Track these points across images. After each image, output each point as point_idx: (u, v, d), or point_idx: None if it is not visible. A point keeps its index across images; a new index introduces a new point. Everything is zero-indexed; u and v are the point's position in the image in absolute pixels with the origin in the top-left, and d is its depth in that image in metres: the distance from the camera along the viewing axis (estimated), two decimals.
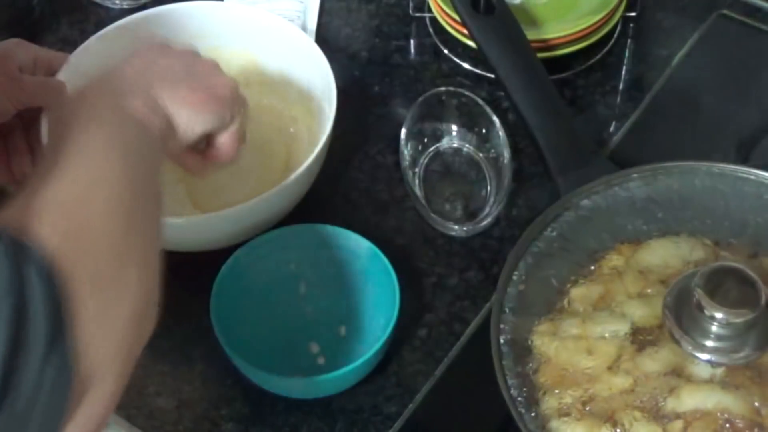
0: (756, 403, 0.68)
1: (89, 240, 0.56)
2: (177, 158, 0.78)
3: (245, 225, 0.84)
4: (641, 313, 0.73)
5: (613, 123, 0.99)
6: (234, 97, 0.78)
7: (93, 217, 0.57)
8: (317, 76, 0.91)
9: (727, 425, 0.68)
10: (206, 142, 0.78)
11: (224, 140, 0.78)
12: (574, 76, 1.02)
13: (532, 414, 0.71)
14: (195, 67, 0.76)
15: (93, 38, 0.92)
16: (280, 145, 0.95)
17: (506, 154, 0.91)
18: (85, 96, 0.67)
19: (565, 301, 0.76)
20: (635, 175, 0.82)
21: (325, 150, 0.87)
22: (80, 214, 0.57)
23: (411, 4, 1.07)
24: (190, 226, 0.84)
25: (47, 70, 0.87)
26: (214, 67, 0.78)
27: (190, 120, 0.72)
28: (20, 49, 0.86)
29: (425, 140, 0.95)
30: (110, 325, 0.57)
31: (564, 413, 0.71)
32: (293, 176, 0.84)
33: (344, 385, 0.81)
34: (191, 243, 0.87)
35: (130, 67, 0.71)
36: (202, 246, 0.87)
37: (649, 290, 0.75)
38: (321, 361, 0.84)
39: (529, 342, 0.75)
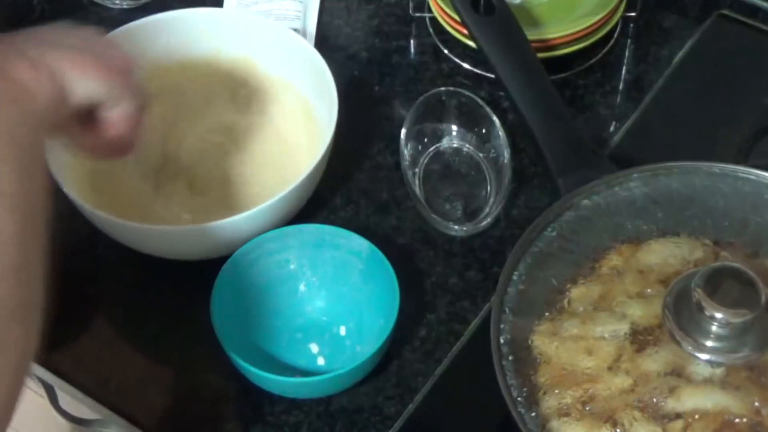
0: (756, 403, 0.68)
1: None
2: (67, 130, 0.74)
3: (246, 233, 0.84)
4: (641, 313, 0.73)
5: (613, 123, 0.99)
6: (129, 72, 0.74)
7: None
8: (318, 83, 0.91)
9: (727, 425, 0.68)
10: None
11: (114, 116, 0.74)
12: (574, 76, 1.02)
13: (532, 414, 0.71)
14: (91, 40, 0.74)
15: None
16: (280, 151, 0.95)
17: (506, 154, 0.91)
18: None
19: (565, 301, 0.76)
20: (635, 175, 0.82)
21: (326, 157, 0.87)
22: None
23: (411, 4, 1.07)
24: (190, 235, 0.84)
25: None
26: (114, 43, 0.76)
27: (77, 82, 0.68)
28: None
29: (425, 140, 0.95)
30: None
31: (564, 413, 0.71)
32: (294, 185, 0.83)
33: (344, 385, 0.81)
34: (190, 252, 0.87)
35: (18, 36, 0.69)
36: (202, 255, 0.86)
37: (649, 290, 0.75)
38: (321, 361, 0.84)
39: (529, 342, 0.74)
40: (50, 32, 0.73)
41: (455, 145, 0.96)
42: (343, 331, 0.85)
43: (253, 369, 0.78)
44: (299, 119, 0.95)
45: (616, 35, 1.05)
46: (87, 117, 0.74)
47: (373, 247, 0.83)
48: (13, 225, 0.57)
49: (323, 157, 0.86)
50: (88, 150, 0.78)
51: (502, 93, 0.97)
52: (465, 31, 0.96)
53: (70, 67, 0.68)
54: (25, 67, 0.65)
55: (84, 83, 0.69)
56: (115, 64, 0.73)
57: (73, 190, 0.84)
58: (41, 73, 0.65)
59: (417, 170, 0.94)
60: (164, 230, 0.84)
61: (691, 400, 0.69)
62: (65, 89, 0.68)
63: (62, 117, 0.69)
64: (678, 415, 0.69)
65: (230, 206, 0.89)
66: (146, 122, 0.78)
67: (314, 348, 0.85)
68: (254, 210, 0.82)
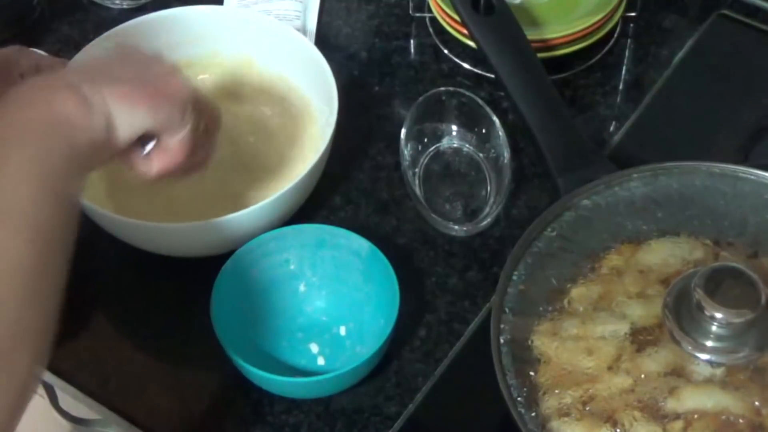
0: (756, 403, 0.68)
1: None
2: (123, 158, 0.73)
3: (245, 230, 0.84)
4: (641, 313, 0.73)
5: (613, 123, 0.99)
6: (187, 99, 0.73)
7: None
8: (318, 80, 0.91)
9: (728, 425, 0.68)
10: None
11: (171, 143, 0.73)
12: (574, 76, 1.02)
13: (532, 414, 0.71)
14: (148, 67, 0.73)
15: (92, 43, 0.91)
16: (280, 149, 0.95)
17: (506, 154, 0.91)
18: (15, 99, 0.63)
19: (565, 301, 0.76)
20: (635, 175, 0.82)
21: (326, 156, 0.87)
22: None
23: (411, 4, 1.07)
24: (189, 232, 0.84)
25: None
26: (172, 69, 0.75)
27: (128, 115, 0.68)
28: (21, 56, 0.85)
29: (425, 140, 0.95)
30: None
31: (564, 413, 0.71)
32: (293, 183, 0.84)
33: (344, 385, 0.81)
34: (190, 249, 0.87)
35: (76, 66, 0.69)
36: (202, 252, 0.86)
37: (649, 290, 0.75)
38: (321, 361, 0.84)
39: (529, 342, 0.75)
40: (107, 62, 0.73)
41: (455, 145, 0.96)
42: (343, 331, 0.85)
43: (253, 369, 0.78)
44: (299, 118, 0.95)
45: (616, 35, 1.05)
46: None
47: (373, 247, 0.83)
48: (32, 256, 0.58)
49: (323, 155, 0.86)
50: (145, 173, 0.76)
51: (502, 93, 0.97)
52: (465, 31, 0.96)
53: (121, 101, 0.67)
54: (75, 103, 0.64)
55: (133, 117, 0.69)
56: (170, 92, 0.72)
57: None
58: (90, 110, 0.65)
59: (417, 170, 0.94)
60: (164, 227, 0.84)
61: (691, 400, 0.69)
62: (114, 125, 0.67)
63: (113, 150, 0.69)
64: (678, 415, 0.69)
65: (230, 204, 0.89)
66: (216, 139, 0.78)
67: (314, 348, 0.85)
68: (253, 207, 0.82)
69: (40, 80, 0.66)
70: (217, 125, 0.78)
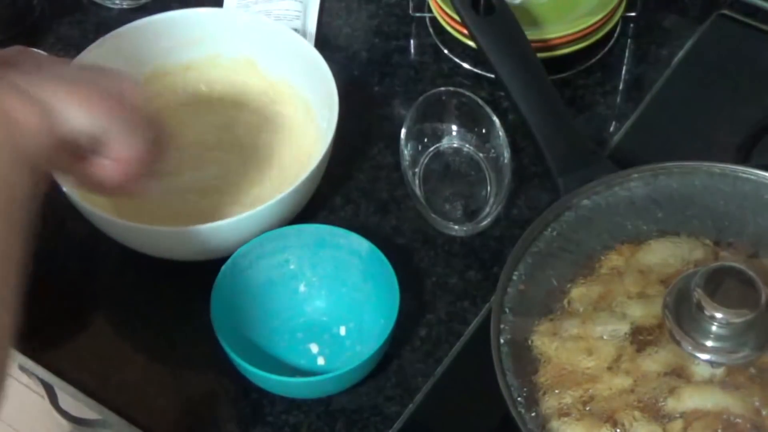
0: (756, 403, 0.68)
1: None
2: (70, 168, 0.72)
3: (245, 234, 0.84)
4: (641, 313, 0.73)
5: (613, 123, 0.99)
6: (136, 106, 0.70)
7: None
8: (318, 82, 0.91)
9: (728, 425, 0.68)
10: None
11: (114, 153, 0.71)
12: (574, 76, 1.02)
13: (532, 414, 0.71)
14: (101, 74, 0.71)
15: (93, 45, 0.91)
16: (281, 152, 0.95)
17: (506, 154, 0.91)
18: None
19: (565, 301, 0.76)
20: (635, 175, 0.82)
21: (326, 159, 0.87)
22: None
23: (411, 4, 1.07)
24: (189, 237, 0.84)
25: None
26: (124, 77, 0.72)
27: (71, 113, 0.66)
28: (23, 56, 0.85)
29: (425, 140, 0.95)
30: None
31: (564, 413, 0.71)
32: (294, 186, 0.83)
33: (344, 385, 0.81)
34: (190, 253, 0.86)
35: (20, 68, 0.68)
36: (201, 256, 0.86)
37: (649, 290, 0.75)
38: (321, 361, 0.84)
39: (529, 342, 0.75)
40: (57, 65, 0.72)
41: (455, 145, 0.96)
42: (343, 331, 0.85)
43: (253, 369, 0.78)
44: (300, 120, 0.95)
45: (616, 35, 1.05)
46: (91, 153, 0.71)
47: (373, 247, 0.83)
48: None
49: (323, 158, 0.86)
50: (97, 188, 0.74)
51: (502, 93, 0.97)
52: (465, 31, 0.96)
53: (65, 98, 0.66)
54: (15, 99, 0.64)
55: (78, 115, 0.67)
56: (121, 97, 0.70)
57: (73, 191, 0.83)
58: (31, 105, 0.64)
59: (417, 170, 0.94)
60: (163, 231, 0.84)
61: (691, 400, 0.69)
62: (56, 120, 0.66)
63: (52, 148, 0.67)
64: (678, 415, 0.69)
65: (230, 207, 0.89)
66: (168, 158, 0.75)
67: (314, 348, 0.85)
68: (254, 211, 0.82)
69: None
70: (166, 139, 0.76)
